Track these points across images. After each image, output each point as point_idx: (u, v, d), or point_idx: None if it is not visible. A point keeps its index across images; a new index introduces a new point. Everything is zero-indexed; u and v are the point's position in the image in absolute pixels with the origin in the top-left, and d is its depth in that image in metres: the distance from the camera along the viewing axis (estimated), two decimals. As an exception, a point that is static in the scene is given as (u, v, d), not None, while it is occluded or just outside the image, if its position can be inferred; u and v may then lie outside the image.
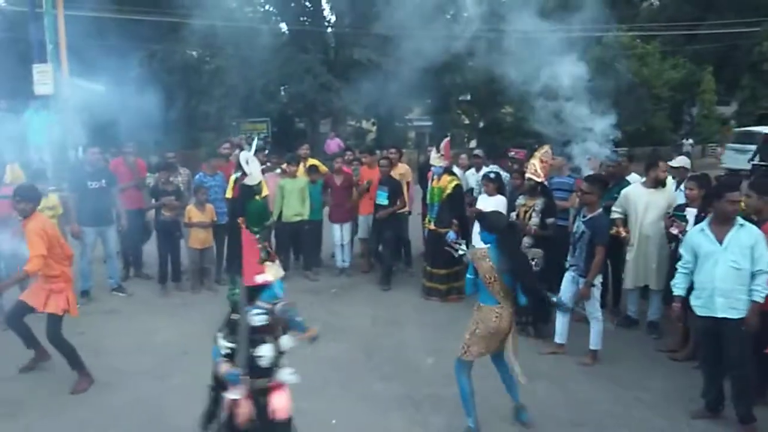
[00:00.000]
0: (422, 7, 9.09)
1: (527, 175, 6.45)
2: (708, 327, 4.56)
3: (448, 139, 7.99)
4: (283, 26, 23.47)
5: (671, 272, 5.88)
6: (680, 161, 7.40)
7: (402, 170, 8.90)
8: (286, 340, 3.33)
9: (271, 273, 3.26)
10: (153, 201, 8.14)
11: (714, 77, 28.62)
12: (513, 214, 6.61)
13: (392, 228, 8.24)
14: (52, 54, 10.08)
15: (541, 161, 6.35)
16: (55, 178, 8.94)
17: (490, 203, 7.24)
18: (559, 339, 5.93)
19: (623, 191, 6.57)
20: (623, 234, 6.36)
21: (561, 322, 5.91)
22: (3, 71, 12.67)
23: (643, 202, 6.32)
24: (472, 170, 8.97)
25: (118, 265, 8.34)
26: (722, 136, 29.99)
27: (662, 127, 27.07)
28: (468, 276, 4.50)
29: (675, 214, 5.95)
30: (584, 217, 5.70)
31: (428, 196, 7.95)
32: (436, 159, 7.66)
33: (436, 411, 4.82)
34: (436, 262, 7.58)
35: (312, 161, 8.98)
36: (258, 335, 3.26)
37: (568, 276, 5.84)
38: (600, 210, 5.72)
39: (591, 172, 6.82)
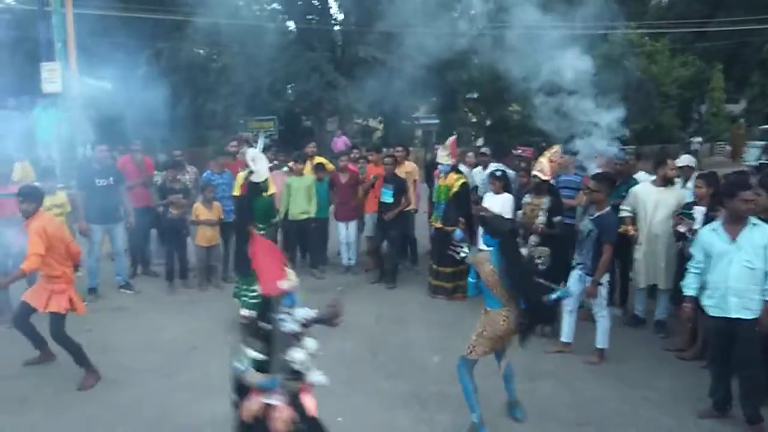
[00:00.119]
0: (428, 5, 9.07)
1: (533, 173, 6.44)
2: (720, 327, 4.50)
3: (454, 137, 7.97)
4: (291, 24, 23.50)
5: (680, 272, 5.87)
6: (685, 160, 7.36)
7: (408, 168, 8.90)
8: (311, 342, 3.33)
9: (292, 278, 3.24)
10: (160, 199, 8.18)
11: (723, 75, 28.43)
12: (520, 213, 6.59)
13: (398, 226, 8.23)
14: (61, 52, 10.11)
15: (550, 160, 6.33)
16: (63, 175, 8.99)
17: (496, 201, 7.23)
18: (565, 338, 5.91)
19: (632, 189, 6.54)
20: (631, 232, 6.33)
21: (567, 320, 5.89)
22: (11, 69, 12.74)
23: (652, 200, 6.29)
24: (479, 168, 8.96)
25: (126, 263, 8.38)
26: (732, 134, 29.85)
27: (671, 124, 26.91)
28: (470, 279, 4.55)
29: (683, 212, 5.92)
30: (592, 215, 5.68)
31: (435, 195, 7.94)
32: (443, 157, 7.64)
33: (442, 409, 4.82)
34: (442, 260, 7.57)
35: (319, 159, 8.99)
36: (289, 340, 3.24)
37: (575, 274, 5.82)
38: (608, 208, 5.70)
39: (598, 170, 6.79)
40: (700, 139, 26.01)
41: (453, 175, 7.62)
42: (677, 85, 25.94)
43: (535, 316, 4.37)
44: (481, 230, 4.70)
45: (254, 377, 3.15)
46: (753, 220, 4.45)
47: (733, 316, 4.38)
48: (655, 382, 5.33)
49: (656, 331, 6.43)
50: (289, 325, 3.16)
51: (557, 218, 6.32)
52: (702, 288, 4.65)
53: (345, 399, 4.96)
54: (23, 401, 4.98)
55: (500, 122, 26.19)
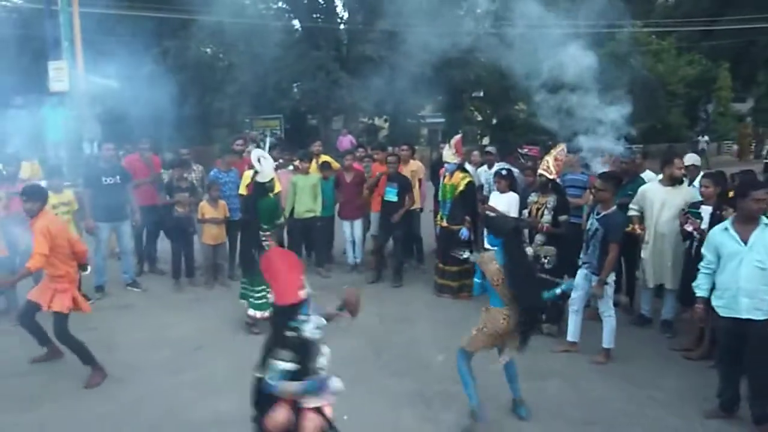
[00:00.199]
0: (433, 3, 9.06)
1: (539, 172, 6.42)
2: (730, 328, 4.45)
3: (459, 135, 7.96)
4: (296, 23, 23.52)
5: (687, 271, 5.85)
6: (690, 159, 7.33)
7: (414, 167, 8.90)
8: (326, 348, 3.34)
9: (306, 286, 3.24)
10: (167, 197, 8.20)
11: (730, 74, 28.29)
12: (525, 212, 6.58)
13: (402, 225, 8.22)
14: (68, 51, 10.17)
15: (556, 159, 6.32)
16: (71, 173, 9.03)
17: (502, 200, 7.23)
18: (571, 337, 5.90)
19: (641, 189, 6.52)
20: (638, 231, 6.31)
21: (573, 320, 5.88)
22: (19, 68, 12.81)
23: (659, 199, 6.27)
24: (485, 167, 8.95)
25: (132, 261, 8.41)
26: (739, 133, 29.71)
27: (678, 123, 26.80)
28: (476, 279, 4.58)
29: (690, 212, 5.90)
30: (598, 214, 5.67)
31: (440, 193, 7.93)
32: (449, 156, 7.63)
33: (447, 408, 4.82)
34: (448, 259, 7.57)
35: (324, 158, 8.99)
36: (314, 347, 3.25)
37: (580, 273, 5.81)
38: (614, 207, 5.68)
39: (604, 169, 6.77)
40: (707, 138, 25.91)
41: (459, 174, 7.61)
42: (684, 84, 25.83)
43: (530, 317, 4.37)
44: (485, 230, 4.73)
45: (291, 386, 3.13)
46: (765, 220, 4.40)
47: (744, 316, 4.34)
48: (662, 381, 5.31)
49: (663, 331, 6.40)
50: (315, 333, 3.17)
51: (563, 217, 6.30)
52: (712, 288, 4.61)
53: (350, 397, 4.94)
54: (32, 398, 5.01)
55: (506, 121, 26.14)
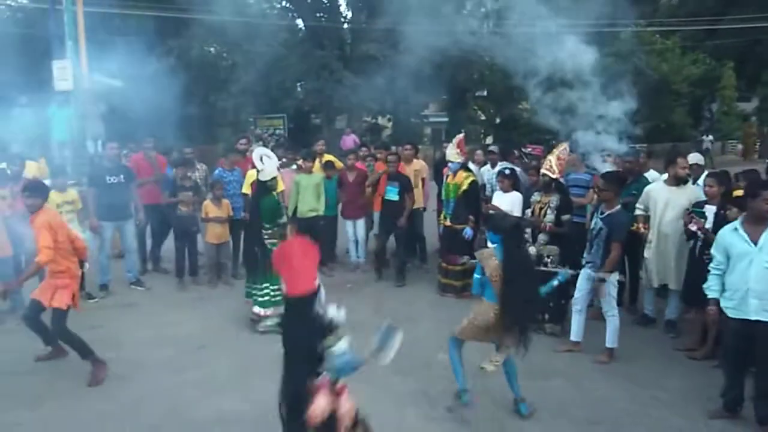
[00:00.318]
0: (437, 2, 9.05)
1: (542, 171, 6.42)
2: (739, 329, 4.41)
3: (462, 135, 7.96)
4: (300, 22, 23.54)
5: (691, 271, 5.83)
6: (693, 158, 7.30)
7: (417, 166, 8.89)
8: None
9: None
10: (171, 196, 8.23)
11: (735, 73, 28.21)
12: (528, 211, 6.58)
13: (403, 224, 8.20)
14: (72, 50, 10.18)
15: (558, 158, 6.31)
16: (75, 172, 9.06)
17: (505, 200, 7.22)
18: (574, 337, 5.89)
19: (646, 188, 6.51)
20: (642, 230, 6.30)
21: (577, 319, 5.87)
22: (23, 68, 12.84)
23: (663, 199, 6.25)
24: (487, 166, 8.94)
25: (136, 260, 8.43)
26: (744, 132, 29.63)
27: (682, 123, 26.77)
28: (475, 276, 4.61)
29: (694, 211, 5.88)
30: (602, 213, 5.66)
31: (443, 192, 7.93)
32: (453, 155, 7.62)
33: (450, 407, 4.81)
34: (451, 258, 7.57)
35: (328, 157, 9.00)
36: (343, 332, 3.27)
37: (584, 273, 5.80)
38: (618, 207, 5.67)
39: (607, 169, 6.76)
40: (711, 137, 25.85)
41: (462, 173, 7.60)
42: (688, 83, 25.78)
43: (515, 316, 4.38)
44: (468, 230, 4.78)
45: (358, 359, 3.26)
46: None
47: (753, 318, 4.29)
48: (665, 381, 5.30)
49: (666, 331, 6.39)
50: (340, 315, 3.21)
51: (566, 216, 6.30)
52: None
53: (353, 395, 4.96)
54: (36, 396, 5.03)
55: (510, 120, 26.12)
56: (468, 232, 7.48)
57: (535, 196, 6.56)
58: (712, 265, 4.65)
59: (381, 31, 19.06)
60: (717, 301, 4.58)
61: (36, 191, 5.24)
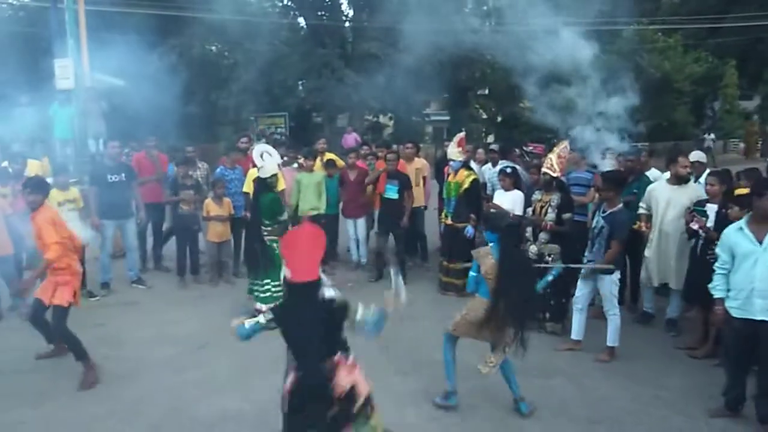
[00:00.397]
0: (439, 0, 9.04)
1: (543, 170, 6.41)
2: (743, 329, 4.38)
3: (462, 133, 7.95)
4: (301, 21, 23.54)
5: (692, 270, 5.82)
6: (695, 156, 7.28)
7: (419, 165, 8.88)
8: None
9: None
10: (172, 195, 8.23)
11: (737, 71, 28.15)
12: (529, 210, 6.57)
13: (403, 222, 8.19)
14: (73, 49, 10.19)
15: (559, 156, 6.30)
16: (76, 171, 9.07)
17: (506, 198, 7.21)
18: (575, 336, 5.89)
19: (649, 187, 6.50)
20: (644, 229, 6.29)
21: (578, 318, 5.87)
22: (25, 66, 12.85)
23: (664, 198, 6.23)
24: (488, 165, 8.93)
25: (137, 258, 8.44)
26: (746, 131, 29.56)
27: (684, 121, 26.70)
28: (471, 273, 4.66)
29: (695, 209, 5.87)
30: (604, 212, 5.65)
31: (445, 191, 7.92)
32: (454, 153, 7.61)
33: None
34: (452, 257, 7.57)
35: (329, 155, 8.99)
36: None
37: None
38: (620, 205, 5.66)
39: (609, 167, 6.74)
40: (713, 136, 25.77)
41: (463, 172, 7.60)
42: (690, 82, 25.72)
43: (510, 315, 4.40)
44: (469, 228, 4.82)
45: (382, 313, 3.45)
46: None
47: (758, 318, 4.27)
48: (666, 380, 5.30)
49: (667, 330, 6.38)
50: (333, 291, 3.33)
51: (567, 215, 6.29)
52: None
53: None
54: (38, 394, 5.04)
55: (511, 118, 26.09)
56: (469, 230, 7.48)
57: (536, 195, 6.55)
58: (717, 264, 4.61)
59: (382, 30, 19.05)
60: (724, 301, 4.54)
61: (37, 188, 5.25)
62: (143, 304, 7.42)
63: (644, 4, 25.10)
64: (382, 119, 27.01)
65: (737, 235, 4.43)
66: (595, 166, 7.27)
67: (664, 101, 24.11)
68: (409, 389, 5.13)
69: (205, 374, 5.43)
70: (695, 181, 6.75)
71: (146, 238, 8.85)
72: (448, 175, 7.80)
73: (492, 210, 7.04)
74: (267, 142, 9.42)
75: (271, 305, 3.24)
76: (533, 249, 6.28)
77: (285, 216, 6.79)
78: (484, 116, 28.00)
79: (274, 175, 6.57)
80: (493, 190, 7.97)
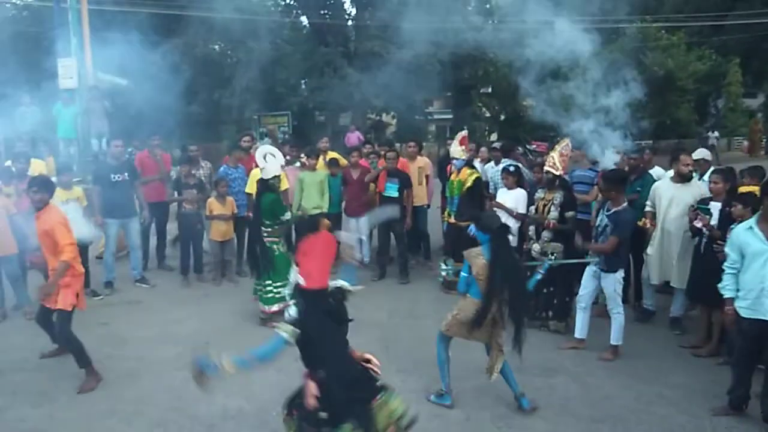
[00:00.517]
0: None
1: (545, 168, 6.40)
2: (752, 329, 4.36)
3: (465, 132, 7.94)
4: (304, 19, 23.52)
5: (696, 268, 5.81)
6: (699, 153, 7.25)
7: (421, 163, 8.88)
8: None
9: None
10: (175, 194, 8.24)
11: (740, 69, 28.04)
12: (532, 208, 6.56)
13: (402, 221, 8.13)
14: (76, 48, 10.21)
15: (561, 154, 6.29)
16: (80, 170, 9.10)
17: (509, 197, 7.20)
18: (579, 334, 5.88)
19: (653, 185, 6.48)
20: (648, 225, 6.28)
21: (581, 317, 5.86)
22: (28, 65, 12.86)
23: (667, 196, 6.22)
24: (491, 164, 8.92)
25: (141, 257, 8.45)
26: (750, 128, 29.46)
27: (687, 119, 26.59)
28: (462, 274, 4.67)
29: (699, 207, 5.85)
30: (608, 210, 5.64)
31: (448, 190, 7.91)
32: (457, 152, 7.60)
33: (455, 404, 4.81)
34: (455, 256, 7.55)
35: (332, 154, 8.99)
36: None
37: (589, 270, 5.79)
38: (625, 204, 5.64)
39: (613, 165, 6.72)
40: (717, 133, 25.71)
41: (466, 170, 7.59)
42: (694, 80, 25.63)
43: (507, 315, 4.43)
44: (472, 227, 4.83)
45: None
46: None
47: None
48: (670, 379, 5.29)
49: (671, 328, 6.37)
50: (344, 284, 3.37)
51: (570, 213, 6.28)
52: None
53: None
54: (42, 393, 5.06)
55: (514, 117, 26.04)
56: (473, 229, 7.45)
57: (539, 193, 6.54)
58: (726, 263, 4.58)
59: (385, 28, 19.01)
60: (733, 301, 4.51)
61: (43, 186, 5.24)
62: (147, 303, 7.43)
63: (648, 2, 25.01)
64: (384, 118, 26.97)
65: (747, 235, 4.40)
66: (595, 163, 7.24)
67: (667, 99, 24.02)
68: (412, 387, 5.12)
69: (207, 373, 5.43)
70: (700, 179, 6.72)
71: (149, 237, 8.86)
72: (451, 173, 7.79)
73: (495, 208, 7.04)
74: (279, 142, 9.42)
75: (289, 319, 3.17)
76: (536, 247, 6.28)
77: (287, 216, 6.79)
78: (487, 114, 27.95)
79: (277, 177, 6.56)
80: (496, 189, 7.96)
